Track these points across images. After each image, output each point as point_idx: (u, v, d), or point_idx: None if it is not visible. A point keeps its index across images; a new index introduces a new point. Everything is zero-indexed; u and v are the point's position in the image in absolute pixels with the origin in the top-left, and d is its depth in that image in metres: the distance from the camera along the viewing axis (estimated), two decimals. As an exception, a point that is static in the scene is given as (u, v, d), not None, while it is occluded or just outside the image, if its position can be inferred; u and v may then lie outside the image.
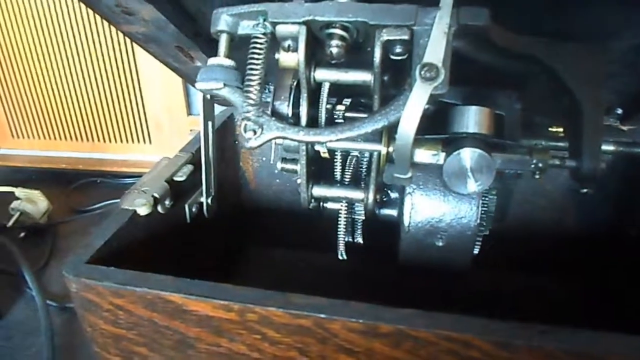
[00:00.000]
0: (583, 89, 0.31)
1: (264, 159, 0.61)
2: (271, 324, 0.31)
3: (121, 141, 0.94)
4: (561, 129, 0.44)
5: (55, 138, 0.96)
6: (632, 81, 0.45)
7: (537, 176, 0.33)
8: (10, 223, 0.78)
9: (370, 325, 0.29)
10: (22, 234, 0.78)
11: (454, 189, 0.32)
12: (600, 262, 0.55)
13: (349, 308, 0.30)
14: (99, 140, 0.95)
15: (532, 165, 0.32)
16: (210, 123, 0.47)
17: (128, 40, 0.84)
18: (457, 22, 0.28)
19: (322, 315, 0.30)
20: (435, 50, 0.28)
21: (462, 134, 0.33)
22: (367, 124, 0.30)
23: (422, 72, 0.28)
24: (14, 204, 0.80)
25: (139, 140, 0.93)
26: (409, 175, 0.31)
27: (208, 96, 0.43)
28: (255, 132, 0.31)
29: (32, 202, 0.80)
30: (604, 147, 0.43)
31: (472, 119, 0.33)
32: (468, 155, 0.31)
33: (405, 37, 0.29)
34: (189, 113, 0.88)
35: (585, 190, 0.34)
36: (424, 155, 0.33)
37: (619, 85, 0.47)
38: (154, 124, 0.91)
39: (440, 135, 0.34)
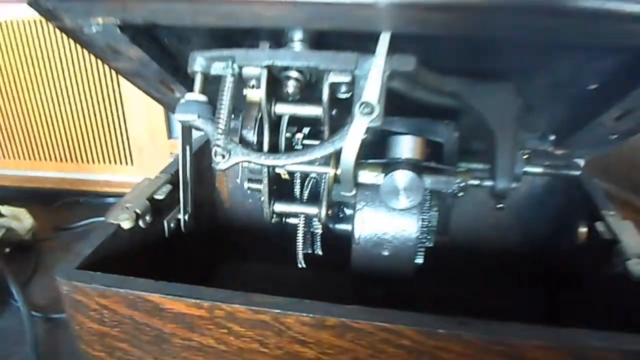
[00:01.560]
0: (496, 120, 0.38)
1: (237, 180, 0.67)
2: (236, 319, 0.36)
3: (104, 162, 0.99)
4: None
5: (40, 159, 1.00)
6: (557, 112, 0.52)
7: (460, 194, 0.39)
8: (-5, 240, 0.82)
9: (318, 319, 0.35)
10: (8, 250, 0.82)
11: (389, 204, 0.38)
12: (541, 271, 0.62)
13: (301, 305, 0.35)
14: (82, 161, 0.99)
15: (456, 185, 0.39)
16: (188, 147, 0.52)
17: (117, 96, 0.91)
18: (390, 68, 0.35)
19: (278, 311, 0.35)
20: (372, 90, 0.34)
21: (398, 159, 0.39)
22: (316, 150, 0.36)
23: (360, 109, 0.34)
24: (0, 220, 0.84)
25: (121, 162, 0.98)
26: (353, 192, 0.37)
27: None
28: (224, 157, 0.37)
29: (18, 219, 0.84)
30: (533, 170, 0.50)
31: (406, 146, 0.39)
32: (400, 177, 0.37)
33: (348, 80, 0.35)
34: (170, 136, 0.93)
35: (500, 206, 0.41)
36: (367, 177, 0.39)
37: (548, 115, 0.54)
38: (136, 146, 0.96)
39: (381, 160, 0.40)
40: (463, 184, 0.39)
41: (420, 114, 0.47)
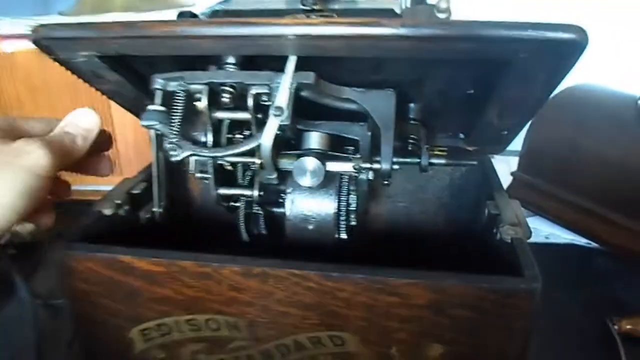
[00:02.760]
0: (380, 119, 0.50)
1: (206, 182, 0.79)
2: (187, 273, 0.48)
3: (98, 174, 1.11)
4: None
5: (41, 174, 1.13)
6: (457, 114, 0.65)
7: (357, 174, 0.51)
8: (2, 241, 0.94)
9: (246, 269, 0.47)
10: (13, 251, 0.94)
11: (299, 182, 0.50)
12: (461, 252, 0.74)
13: (233, 259, 0.47)
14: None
15: (352, 168, 0.51)
16: (160, 151, 0.65)
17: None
18: (295, 81, 0.47)
19: (217, 264, 0.47)
20: (282, 98, 0.47)
21: (308, 149, 0.51)
22: (244, 144, 0.48)
23: (273, 111, 0.46)
24: (6, 226, 0.96)
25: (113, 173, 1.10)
26: (274, 176, 0.49)
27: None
28: (176, 151, 0.49)
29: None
30: (437, 161, 0.62)
31: (314, 140, 0.52)
32: (307, 161, 0.50)
33: (267, 91, 0.48)
34: (154, 149, 1.06)
35: (386, 182, 0.53)
36: (285, 164, 0.51)
37: (452, 118, 0.67)
38: (125, 159, 1.08)
39: (296, 151, 0.52)
40: (357, 167, 0.51)
41: (341, 118, 0.59)
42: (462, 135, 0.71)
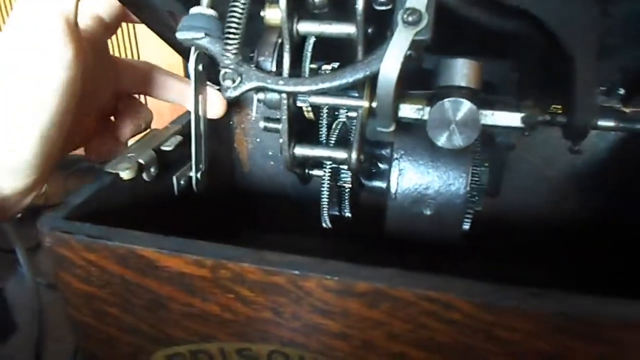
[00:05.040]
0: (575, 40, 0.30)
1: (258, 140, 0.60)
2: (244, 282, 0.29)
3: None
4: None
5: (57, 124, 0.96)
6: (634, 56, 0.44)
7: (526, 133, 0.31)
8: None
9: (346, 283, 0.28)
10: (19, 215, 0.78)
11: (437, 142, 0.31)
12: (597, 251, 0.54)
13: (325, 265, 0.28)
14: (100, 127, 0.94)
15: (520, 122, 0.31)
16: (201, 96, 0.46)
17: (132, 38, 0.86)
18: (442, -32, 0.27)
19: (296, 272, 0.28)
20: (420, -5, 0.27)
21: (449, 86, 0.32)
22: (348, 73, 0.28)
23: (404, 16, 0.26)
24: (12, 185, 0.80)
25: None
26: (392, 128, 0.30)
27: (200, 67, 0.42)
28: (234, 81, 0.30)
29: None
30: (603, 123, 0.42)
31: (460, 72, 0.31)
32: (453, 106, 0.30)
33: (389, -16, 0.28)
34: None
35: (576, 149, 0.33)
36: (408, 110, 0.31)
37: (621, 62, 0.46)
38: (155, 112, 0.90)
39: (427, 91, 0.32)
40: (530, 119, 0.31)
41: (465, 50, 0.39)
42: (622, 91, 0.50)
